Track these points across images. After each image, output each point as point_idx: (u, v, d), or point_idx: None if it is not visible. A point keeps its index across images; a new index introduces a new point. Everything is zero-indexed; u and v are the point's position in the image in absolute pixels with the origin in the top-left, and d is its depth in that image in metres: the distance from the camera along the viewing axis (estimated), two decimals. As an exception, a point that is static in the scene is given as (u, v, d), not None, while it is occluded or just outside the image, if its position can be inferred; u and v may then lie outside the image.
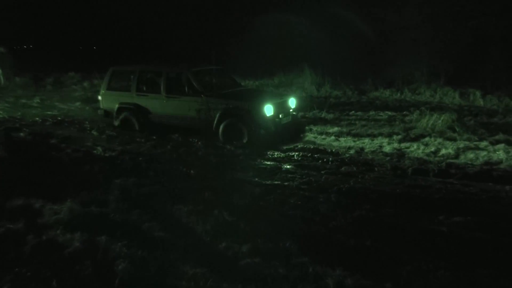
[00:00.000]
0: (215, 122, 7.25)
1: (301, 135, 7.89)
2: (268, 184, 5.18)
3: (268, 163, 6.18)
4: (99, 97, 8.72)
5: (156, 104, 7.91)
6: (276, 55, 15.68)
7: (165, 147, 7.08)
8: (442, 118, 8.07)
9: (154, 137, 7.68)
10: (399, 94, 12.63)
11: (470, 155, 6.38)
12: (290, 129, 7.72)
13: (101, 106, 8.71)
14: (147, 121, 8.06)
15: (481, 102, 11.08)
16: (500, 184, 5.22)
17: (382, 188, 5.02)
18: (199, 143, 7.27)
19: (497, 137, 7.30)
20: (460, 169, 5.73)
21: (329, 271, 3.14)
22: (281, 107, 7.43)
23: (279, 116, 7.27)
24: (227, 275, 3.13)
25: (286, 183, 5.18)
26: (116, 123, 8.31)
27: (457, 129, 7.68)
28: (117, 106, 8.26)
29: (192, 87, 7.52)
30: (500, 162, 6.09)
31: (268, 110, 7.06)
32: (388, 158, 6.40)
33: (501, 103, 10.79)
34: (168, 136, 7.72)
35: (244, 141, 7.05)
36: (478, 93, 11.44)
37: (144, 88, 8.13)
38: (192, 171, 5.67)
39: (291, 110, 7.76)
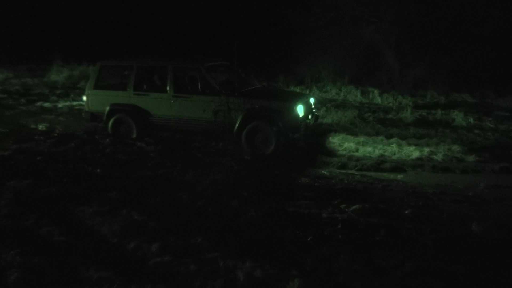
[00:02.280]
0: (236, 125, 6.25)
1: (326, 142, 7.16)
2: (183, 181, 5.10)
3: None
4: (84, 98, 7.29)
5: (161, 105, 6.70)
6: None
7: (68, 144, 6.56)
8: (345, 114, 8.72)
9: (56, 135, 7.08)
10: (308, 92, 13.31)
11: (368, 148, 6.98)
12: (314, 132, 7.20)
13: (87, 108, 7.27)
14: (148, 125, 6.87)
15: (379, 100, 12.16)
16: (393, 173, 5.80)
17: (289, 182, 5.26)
18: (107, 139, 6.86)
19: (391, 131, 8.10)
20: (359, 161, 6.24)
21: (239, 264, 3.20)
22: (307, 107, 6.71)
23: (308, 117, 6.57)
24: (135, 277, 3.02)
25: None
26: (107, 127, 7.03)
27: (358, 125, 8.36)
28: (108, 108, 6.96)
29: (208, 85, 6.45)
30: (393, 154, 6.77)
31: (300, 110, 6.26)
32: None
33: (395, 101, 11.98)
34: (70, 134, 7.17)
35: (271, 148, 6.18)
36: (376, 92, 12.55)
37: (145, 87, 6.92)
38: (98, 170, 5.34)
39: (314, 111, 7.09)
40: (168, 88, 6.66)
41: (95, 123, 7.36)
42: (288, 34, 16.25)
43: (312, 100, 7.14)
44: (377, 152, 6.81)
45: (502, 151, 7.19)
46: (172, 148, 6.55)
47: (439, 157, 6.65)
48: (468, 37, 15.23)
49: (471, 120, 9.37)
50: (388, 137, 7.70)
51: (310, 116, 6.61)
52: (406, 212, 4.44)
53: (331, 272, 3.16)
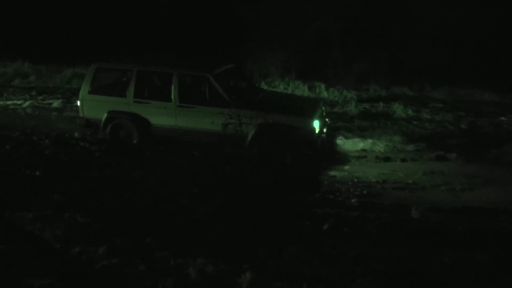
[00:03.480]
0: (248, 140, 5.75)
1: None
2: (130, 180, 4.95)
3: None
4: (78, 102, 6.62)
5: (164, 115, 6.13)
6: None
7: (3, 147, 6.12)
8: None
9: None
10: (257, 86, 13.42)
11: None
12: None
13: (81, 114, 6.60)
14: (149, 135, 6.32)
15: (325, 94, 12.52)
16: (339, 164, 6.02)
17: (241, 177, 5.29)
18: (47, 140, 6.48)
19: (337, 124, 8.38)
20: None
21: (190, 261, 3.17)
22: (322, 118, 6.27)
23: (323, 130, 6.13)
24: (81, 282, 2.90)
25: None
26: (104, 136, 6.44)
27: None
28: (105, 115, 6.36)
29: (217, 95, 5.90)
30: (339, 145, 7.04)
31: (316, 125, 5.87)
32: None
33: (341, 94, 12.40)
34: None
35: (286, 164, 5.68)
36: (323, 86, 12.91)
37: (146, 94, 6.32)
38: (38, 173, 5.04)
39: (326, 119, 6.65)
40: (173, 97, 6.07)
41: (91, 130, 6.76)
42: (236, 30, 16.24)
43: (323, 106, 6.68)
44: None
45: (438, 140, 7.71)
46: (119, 148, 6.33)
47: (381, 147, 7.00)
48: (405, 33, 16.10)
49: (410, 112, 9.92)
50: (335, 129, 7.96)
51: (325, 129, 6.19)
52: (352, 201, 4.63)
53: (282, 263, 3.23)
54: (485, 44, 16.88)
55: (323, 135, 5.97)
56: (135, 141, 6.30)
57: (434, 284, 3.01)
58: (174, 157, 5.94)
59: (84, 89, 6.52)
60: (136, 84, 6.24)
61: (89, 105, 6.51)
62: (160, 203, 4.29)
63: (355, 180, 5.48)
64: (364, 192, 5.01)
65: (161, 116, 6.17)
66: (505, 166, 6.55)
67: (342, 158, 6.43)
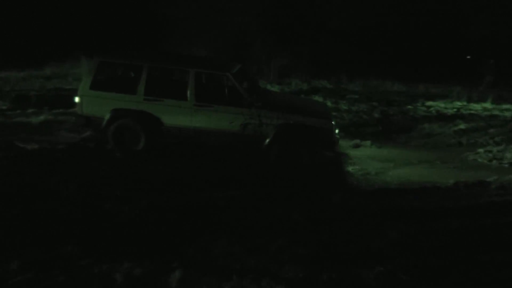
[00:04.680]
0: (267, 141, 5.62)
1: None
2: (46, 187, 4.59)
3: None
4: (77, 99, 5.91)
5: (178, 114, 5.76)
6: (44, 39, 13.80)
7: None
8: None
9: None
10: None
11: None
12: None
13: (80, 111, 5.92)
14: (161, 135, 5.85)
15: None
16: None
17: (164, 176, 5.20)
18: None
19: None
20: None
21: (116, 266, 3.05)
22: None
23: (336, 131, 5.99)
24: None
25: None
26: (107, 136, 5.84)
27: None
28: (109, 113, 5.79)
29: (236, 94, 5.67)
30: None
31: (334, 126, 5.85)
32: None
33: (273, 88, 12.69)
34: None
35: (306, 165, 5.59)
36: (247, 82, 13.10)
37: (159, 92, 5.85)
38: None
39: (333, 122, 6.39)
40: (189, 96, 5.74)
41: (90, 130, 6.21)
42: (155, 27, 15.79)
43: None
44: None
45: (355, 129, 8.27)
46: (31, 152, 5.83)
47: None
48: (322, 30, 16.92)
49: (329, 103, 10.48)
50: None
51: (337, 130, 6.16)
52: (276, 192, 4.78)
53: (211, 258, 3.24)
54: (392, 39, 18.36)
55: (338, 136, 6.04)
56: (142, 143, 5.84)
57: (353, 261, 3.24)
58: (96, 162, 5.64)
59: (85, 84, 5.88)
60: (147, 81, 5.80)
61: (90, 102, 5.87)
62: (79, 209, 4.05)
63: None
64: (284, 182, 5.21)
65: (175, 115, 5.78)
66: (412, 149, 7.24)
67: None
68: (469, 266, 3.25)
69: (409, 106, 10.83)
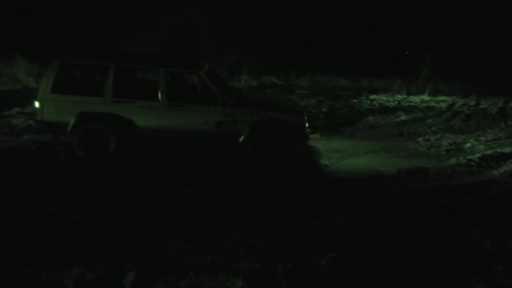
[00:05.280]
0: (242, 138, 5.62)
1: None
2: None
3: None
4: (37, 104, 5.48)
5: (151, 115, 5.54)
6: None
7: None
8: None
9: None
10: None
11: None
12: None
13: (40, 117, 5.50)
14: (131, 138, 5.59)
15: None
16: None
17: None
18: None
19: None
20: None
21: (65, 272, 2.93)
22: None
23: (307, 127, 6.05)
24: None
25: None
26: (73, 141, 5.50)
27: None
28: (74, 118, 5.44)
29: (209, 93, 5.56)
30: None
31: (306, 121, 5.91)
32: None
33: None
34: None
35: (280, 160, 5.66)
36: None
37: (127, 93, 5.59)
38: None
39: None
40: (160, 95, 5.53)
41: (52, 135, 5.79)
42: (101, 23, 15.17)
43: None
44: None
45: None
46: None
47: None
48: (270, 26, 17.13)
49: (279, 99, 10.67)
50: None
51: (307, 124, 6.28)
52: (232, 188, 4.80)
53: (166, 257, 3.20)
54: (337, 36, 18.98)
55: (308, 130, 6.11)
56: (112, 147, 5.58)
57: (307, 250, 3.35)
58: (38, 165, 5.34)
59: (45, 88, 5.48)
60: (114, 82, 5.51)
61: (52, 106, 5.49)
62: (21, 214, 3.83)
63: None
64: (242, 175, 5.26)
65: (147, 117, 5.58)
66: (359, 140, 7.57)
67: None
68: (414, 246, 3.48)
69: (354, 100, 11.29)
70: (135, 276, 2.90)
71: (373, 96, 12.06)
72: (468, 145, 7.12)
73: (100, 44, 14.12)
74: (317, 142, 7.25)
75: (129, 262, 3.11)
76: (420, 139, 7.55)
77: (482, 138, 7.60)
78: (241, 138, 5.66)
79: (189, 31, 15.83)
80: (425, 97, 12.47)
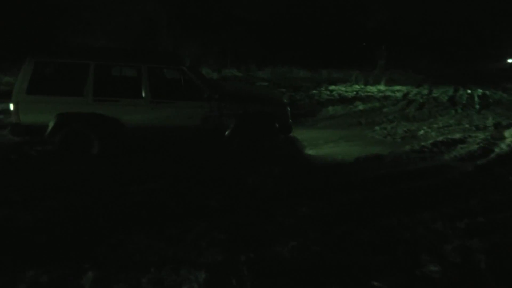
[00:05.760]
0: (228, 132, 5.63)
1: None
2: None
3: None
4: (12, 106, 5.16)
5: (135, 113, 5.37)
6: None
7: None
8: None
9: None
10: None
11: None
12: None
13: (16, 120, 5.17)
14: (115, 137, 5.38)
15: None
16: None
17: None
18: None
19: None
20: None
21: (18, 276, 2.80)
22: None
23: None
24: None
25: None
26: (54, 143, 5.24)
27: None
28: (54, 119, 5.16)
29: (194, 88, 5.49)
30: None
31: (290, 112, 6.00)
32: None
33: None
34: None
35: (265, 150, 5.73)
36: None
37: (110, 91, 5.39)
38: None
39: None
40: (144, 93, 5.35)
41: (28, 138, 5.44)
42: (51, 17, 14.44)
43: None
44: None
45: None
46: None
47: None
48: (229, 18, 17.00)
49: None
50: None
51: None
52: (198, 181, 4.76)
53: (127, 254, 3.13)
54: (297, 28, 19.15)
55: (290, 120, 6.16)
56: (95, 148, 5.33)
57: (269, 239, 3.38)
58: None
59: (20, 88, 5.13)
60: (95, 80, 5.25)
61: (28, 108, 5.17)
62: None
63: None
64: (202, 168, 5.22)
65: (131, 115, 5.38)
66: (318, 130, 7.71)
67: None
68: (372, 231, 3.60)
69: (314, 91, 11.48)
70: (93, 275, 2.82)
71: (332, 87, 12.32)
72: (422, 132, 7.43)
73: (49, 39, 13.49)
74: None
75: (88, 262, 3.01)
76: (377, 127, 7.80)
77: (434, 125, 7.96)
78: (227, 132, 5.67)
79: (146, 23, 15.42)
80: (382, 87, 12.89)
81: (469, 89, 13.20)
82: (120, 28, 15.06)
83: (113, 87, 5.72)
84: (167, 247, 3.23)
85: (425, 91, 12.55)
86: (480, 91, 12.81)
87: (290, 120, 6.07)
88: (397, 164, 5.53)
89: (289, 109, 6.04)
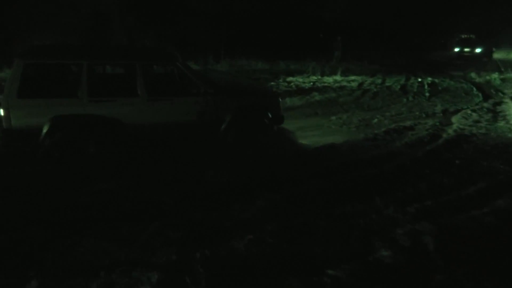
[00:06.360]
0: (223, 126, 5.63)
1: None
2: None
3: None
4: (1, 111, 4.79)
5: (131, 111, 5.19)
6: None
7: None
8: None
9: None
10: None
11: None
12: None
13: (8, 125, 4.81)
14: (113, 137, 5.15)
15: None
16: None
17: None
18: None
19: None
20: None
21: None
22: None
23: None
24: None
25: None
26: (45, 148, 4.88)
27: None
28: (48, 123, 4.87)
29: (190, 84, 5.44)
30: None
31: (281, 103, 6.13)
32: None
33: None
34: None
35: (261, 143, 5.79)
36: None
37: (105, 91, 5.28)
38: None
39: None
40: (139, 91, 5.18)
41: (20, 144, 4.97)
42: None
43: None
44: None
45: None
46: None
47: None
48: (185, 10, 16.65)
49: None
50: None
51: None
52: (149, 181, 4.63)
53: (75, 259, 2.99)
54: (255, 20, 19.09)
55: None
56: (93, 149, 5.06)
57: (224, 235, 3.35)
58: None
59: (10, 92, 4.77)
60: (89, 80, 4.99)
61: (19, 112, 4.83)
62: None
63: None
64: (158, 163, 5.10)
65: (127, 114, 5.19)
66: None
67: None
68: (327, 220, 3.66)
69: (272, 83, 11.50)
70: (38, 284, 2.67)
71: (290, 78, 12.40)
72: (375, 120, 7.65)
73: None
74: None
75: (33, 269, 2.85)
76: (333, 117, 7.94)
77: (387, 114, 8.21)
78: (223, 125, 5.66)
79: (97, 16, 14.80)
80: (338, 77, 13.13)
81: (420, 77, 13.74)
82: (69, 22, 14.36)
83: (108, 86, 5.62)
84: (119, 249, 3.12)
85: (379, 81, 12.92)
86: (429, 79, 13.36)
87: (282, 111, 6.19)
88: (352, 153, 5.65)
89: (280, 100, 6.16)
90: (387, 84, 12.29)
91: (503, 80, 13.48)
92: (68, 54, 5.36)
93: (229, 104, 5.65)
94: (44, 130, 4.91)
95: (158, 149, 5.66)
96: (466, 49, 23.40)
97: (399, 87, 11.73)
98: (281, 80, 11.97)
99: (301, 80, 12.25)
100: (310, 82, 11.98)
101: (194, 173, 4.83)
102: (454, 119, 7.74)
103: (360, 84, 12.05)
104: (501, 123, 7.51)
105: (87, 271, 2.83)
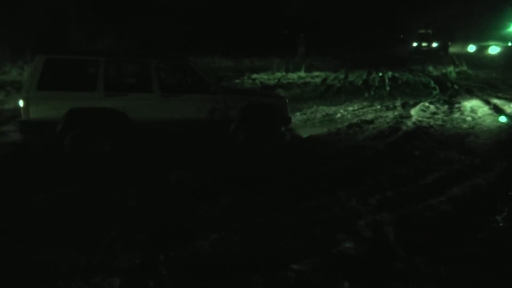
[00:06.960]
0: (233, 124, 5.85)
1: None
2: None
3: None
4: (22, 102, 5.12)
5: (145, 107, 5.50)
6: None
7: None
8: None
9: None
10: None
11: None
12: None
13: (25, 116, 5.11)
14: (127, 132, 5.45)
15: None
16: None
17: None
18: None
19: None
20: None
21: None
22: None
23: None
24: None
25: None
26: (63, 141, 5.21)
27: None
28: (65, 114, 5.16)
29: (201, 82, 5.78)
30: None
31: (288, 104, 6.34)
32: None
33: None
34: None
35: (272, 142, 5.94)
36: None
37: (121, 85, 5.84)
38: None
39: None
40: (153, 87, 5.51)
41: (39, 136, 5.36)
42: None
43: None
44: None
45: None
46: None
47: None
48: (145, 7, 16.31)
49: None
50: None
51: None
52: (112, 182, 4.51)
53: (30, 268, 2.87)
54: (219, 17, 18.97)
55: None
56: (108, 145, 5.34)
57: (189, 235, 3.31)
58: None
59: (31, 85, 5.14)
60: (106, 76, 5.38)
61: (39, 104, 5.16)
62: None
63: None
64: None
65: (141, 109, 5.48)
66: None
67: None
68: (292, 216, 3.69)
69: (237, 80, 11.50)
70: (-9, 297, 2.54)
71: (254, 75, 12.45)
72: (339, 115, 7.81)
73: None
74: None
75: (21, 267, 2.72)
76: (297, 113, 8.04)
77: (350, 108, 8.41)
78: (233, 124, 5.89)
79: (54, 15, 14.24)
80: (302, 73, 13.30)
81: (381, 72, 14.14)
82: (24, 22, 13.74)
83: (123, 81, 6.07)
84: (79, 256, 3.01)
85: (342, 76, 13.19)
86: (390, 73, 13.78)
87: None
88: (315, 148, 5.74)
89: (287, 101, 6.35)
90: (350, 79, 12.57)
91: (458, 73, 14.10)
92: (86, 51, 6.00)
93: (238, 103, 5.88)
94: (62, 122, 5.21)
95: (162, 146, 5.83)
96: (424, 44, 24.32)
97: (361, 82, 12.02)
98: (246, 78, 11.98)
99: (266, 77, 12.31)
100: (275, 79, 12.06)
101: (163, 173, 4.75)
102: (413, 111, 8.02)
103: (324, 80, 12.26)
104: (457, 115, 7.86)
105: (44, 281, 2.72)
